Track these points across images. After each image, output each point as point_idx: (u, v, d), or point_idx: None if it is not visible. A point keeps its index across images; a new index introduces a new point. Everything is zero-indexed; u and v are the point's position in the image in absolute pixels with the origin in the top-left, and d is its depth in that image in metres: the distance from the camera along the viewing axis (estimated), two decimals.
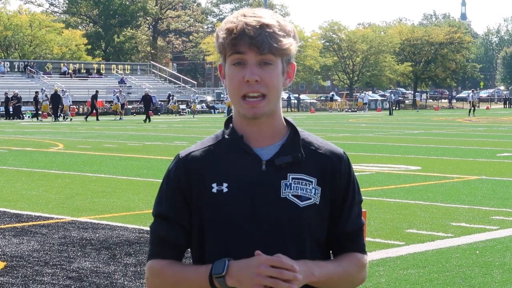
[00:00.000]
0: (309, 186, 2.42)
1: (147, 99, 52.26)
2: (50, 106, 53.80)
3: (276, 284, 2.26)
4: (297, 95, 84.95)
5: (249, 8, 2.45)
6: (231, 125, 2.49)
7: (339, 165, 2.48)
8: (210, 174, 2.44)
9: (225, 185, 2.41)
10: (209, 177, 2.43)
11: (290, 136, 2.47)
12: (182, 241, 2.47)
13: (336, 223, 2.48)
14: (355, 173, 2.54)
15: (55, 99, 53.09)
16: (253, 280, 2.27)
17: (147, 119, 49.48)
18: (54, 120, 51.72)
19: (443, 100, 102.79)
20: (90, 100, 57.17)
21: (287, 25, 2.41)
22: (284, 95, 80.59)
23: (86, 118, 53.49)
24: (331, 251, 2.54)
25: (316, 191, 2.43)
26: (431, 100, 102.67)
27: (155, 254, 2.49)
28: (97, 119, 53.09)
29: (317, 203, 2.43)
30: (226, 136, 2.47)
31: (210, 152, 2.47)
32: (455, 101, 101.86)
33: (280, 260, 2.27)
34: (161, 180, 2.56)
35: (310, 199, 2.42)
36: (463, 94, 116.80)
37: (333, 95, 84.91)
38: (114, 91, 60.32)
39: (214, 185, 2.42)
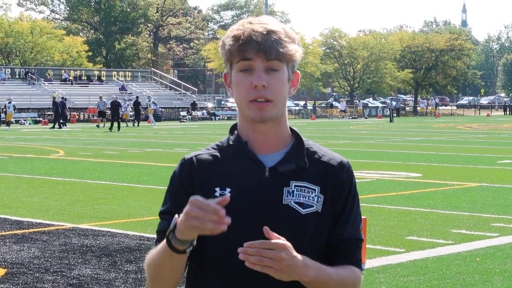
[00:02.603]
0: (311, 194, 2.43)
1: (115, 106, 49.09)
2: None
3: (201, 224, 2.21)
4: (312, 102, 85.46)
5: (253, 16, 2.47)
6: (235, 131, 2.51)
7: (342, 173, 2.49)
8: (213, 177, 2.46)
9: (228, 190, 2.42)
10: (213, 181, 2.45)
11: (294, 145, 2.49)
12: None
13: (333, 229, 2.48)
14: (356, 180, 2.55)
15: (57, 106, 52.91)
16: (184, 223, 2.24)
17: (114, 127, 46.69)
18: (54, 127, 51.60)
19: (443, 107, 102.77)
20: (133, 106, 56.99)
21: (292, 33, 2.44)
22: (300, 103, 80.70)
23: (135, 124, 54.17)
24: (326, 260, 2.51)
25: (319, 199, 2.44)
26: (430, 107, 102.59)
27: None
28: (138, 125, 53.57)
29: (319, 211, 2.44)
30: (231, 142, 2.50)
31: (215, 157, 2.49)
32: (455, 107, 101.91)
33: (203, 203, 2.20)
34: (164, 186, 2.58)
35: (312, 206, 2.43)
36: (464, 101, 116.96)
37: (332, 102, 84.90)
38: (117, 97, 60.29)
39: (217, 189, 2.43)
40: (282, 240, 2.26)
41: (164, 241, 2.34)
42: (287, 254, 2.25)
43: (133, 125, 54.54)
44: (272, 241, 2.25)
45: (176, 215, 2.31)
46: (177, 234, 2.28)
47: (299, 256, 2.29)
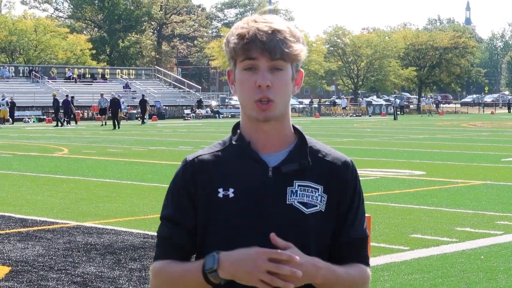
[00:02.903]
0: (315, 194, 2.43)
1: (115, 103, 48.52)
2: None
3: (272, 282, 2.22)
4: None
5: (258, 14, 2.45)
6: (238, 131, 2.50)
7: (346, 172, 2.48)
8: (216, 178, 2.44)
9: (231, 190, 2.41)
10: (216, 182, 2.44)
11: (297, 144, 2.47)
12: (187, 242, 2.47)
13: (340, 230, 2.48)
14: (360, 178, 2.55)
15: (57, 104, 53.01)
16: (249, 274, 2.24)
17: (117, 126, 46.27)
18: (58, 125, 51.64)
19: (447, 105, 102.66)
20: (138, 104, 57.39)
21: (296, 31, 2.42)
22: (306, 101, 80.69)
23: (142, 122, 54.65)
24: (334, 261, 2.52)
25: (322, 198, 2.43)
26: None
27: (159, 256, 2.49)
28: (143, 122, 53.79)
29: (323, 210, 2.43)
30: (234, 142, 2.48)
31: (217, 157, 2.48)
32: (461, 105, 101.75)
33: (278, 253, 2.23)
34: (168, 184, 2.58)
35: (316, 206, 2.42)
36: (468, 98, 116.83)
37: (335, 99, 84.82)
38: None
39: (220, 189, 2.42)
40: (291, 252, 2.26)
41: (193, 269, 2.35)
42: (301, 268, 2.26)
43: (143, 123, 54.71)
44: (288, 256, 2.25)
45: (215, 253, 2.31)
46: (221, 274, 2.29)
47: (309, 260, 2.30)
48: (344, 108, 76.55)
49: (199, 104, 69.69)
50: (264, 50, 2.34)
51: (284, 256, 2.23)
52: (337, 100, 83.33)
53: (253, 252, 2.25)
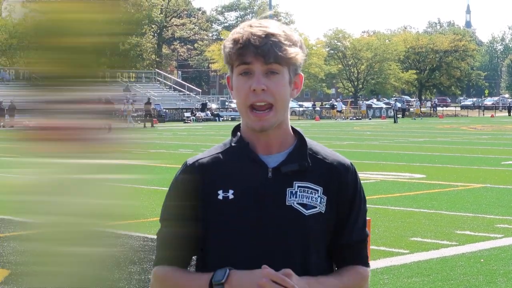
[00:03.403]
0: (314, 195, 2.43)
1: None
2: None
3: None
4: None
5: (256, 19, 2.46)
6: (238, 133, 2.50)
7: (346, 175, 2.49)
8: (216, 180, 2.45)
9: (231, 191, 2.42)
10: (216, 184, 2.44)
11: (297, 145, 2.48)
12: (187, 246, 2.48)
13: (340, 233, 2.48)
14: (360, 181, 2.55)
15: None
16: None
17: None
18: None
19: (445, 108, 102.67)
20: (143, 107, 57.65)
21: (293, 35, 2.41)
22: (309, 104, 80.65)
23: (144, 125, 54.44)
24: (333, 261, 2.54)
25: (322, 200, 2.44)
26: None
27: (161, 260, 2.50)
28: (144, 126, 53.71)
29: (323, 212, 2.44)
30: (233, 144, 2.48)
31: (217, 160, 2.48)
32: (458, 108, 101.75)
33: (283, 278, 2.26)
34: (168, 187, 2.58)
35: (316, 207, 2.42)
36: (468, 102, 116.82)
37: (334, 103, 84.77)
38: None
39: (220, 191, 2.43)
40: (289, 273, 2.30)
41: (201, 279, 2.38)
42: None
43: (144, 126, 54.81)
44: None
45: (228, 269, 2.34)
46: None
47: (303, 282, 2.33)
48: (339, 111, 76.45)
49: (203, 107, 69.70)
50: (258, 54, 2.35)
51: (288, 284, 2.26)
52: (335, 103, 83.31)
53: (261, 271, 2.29)
